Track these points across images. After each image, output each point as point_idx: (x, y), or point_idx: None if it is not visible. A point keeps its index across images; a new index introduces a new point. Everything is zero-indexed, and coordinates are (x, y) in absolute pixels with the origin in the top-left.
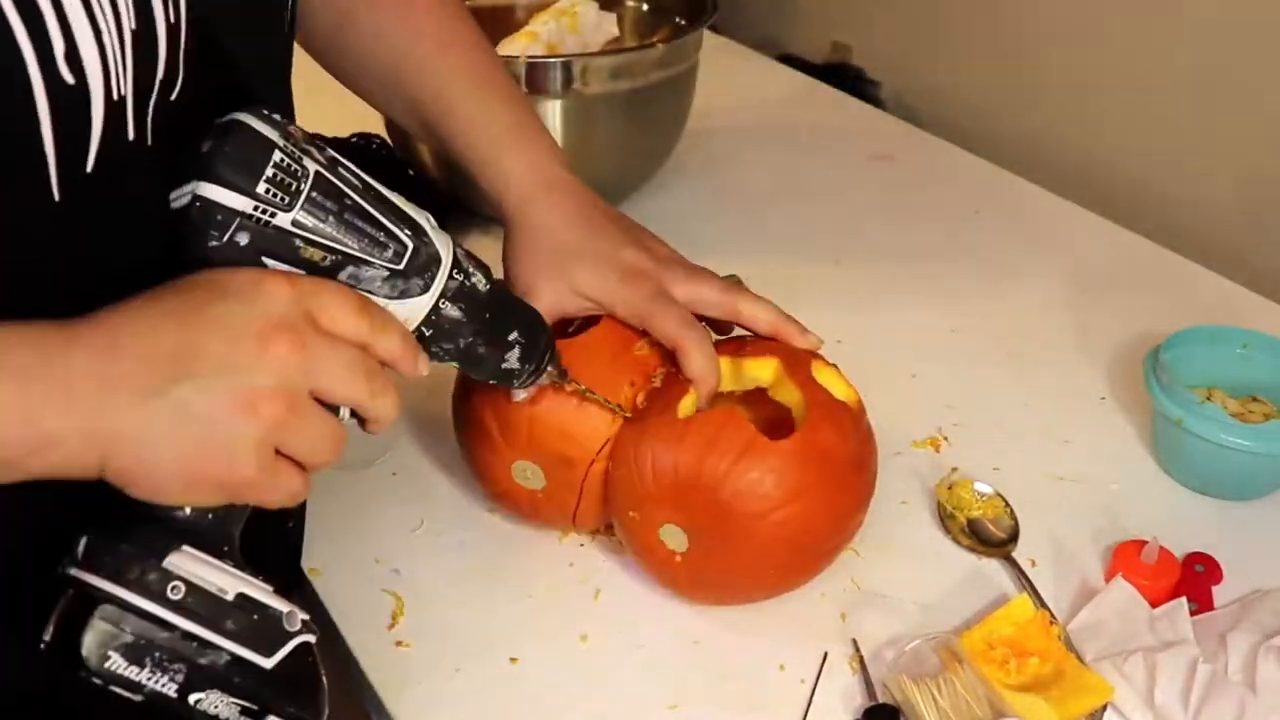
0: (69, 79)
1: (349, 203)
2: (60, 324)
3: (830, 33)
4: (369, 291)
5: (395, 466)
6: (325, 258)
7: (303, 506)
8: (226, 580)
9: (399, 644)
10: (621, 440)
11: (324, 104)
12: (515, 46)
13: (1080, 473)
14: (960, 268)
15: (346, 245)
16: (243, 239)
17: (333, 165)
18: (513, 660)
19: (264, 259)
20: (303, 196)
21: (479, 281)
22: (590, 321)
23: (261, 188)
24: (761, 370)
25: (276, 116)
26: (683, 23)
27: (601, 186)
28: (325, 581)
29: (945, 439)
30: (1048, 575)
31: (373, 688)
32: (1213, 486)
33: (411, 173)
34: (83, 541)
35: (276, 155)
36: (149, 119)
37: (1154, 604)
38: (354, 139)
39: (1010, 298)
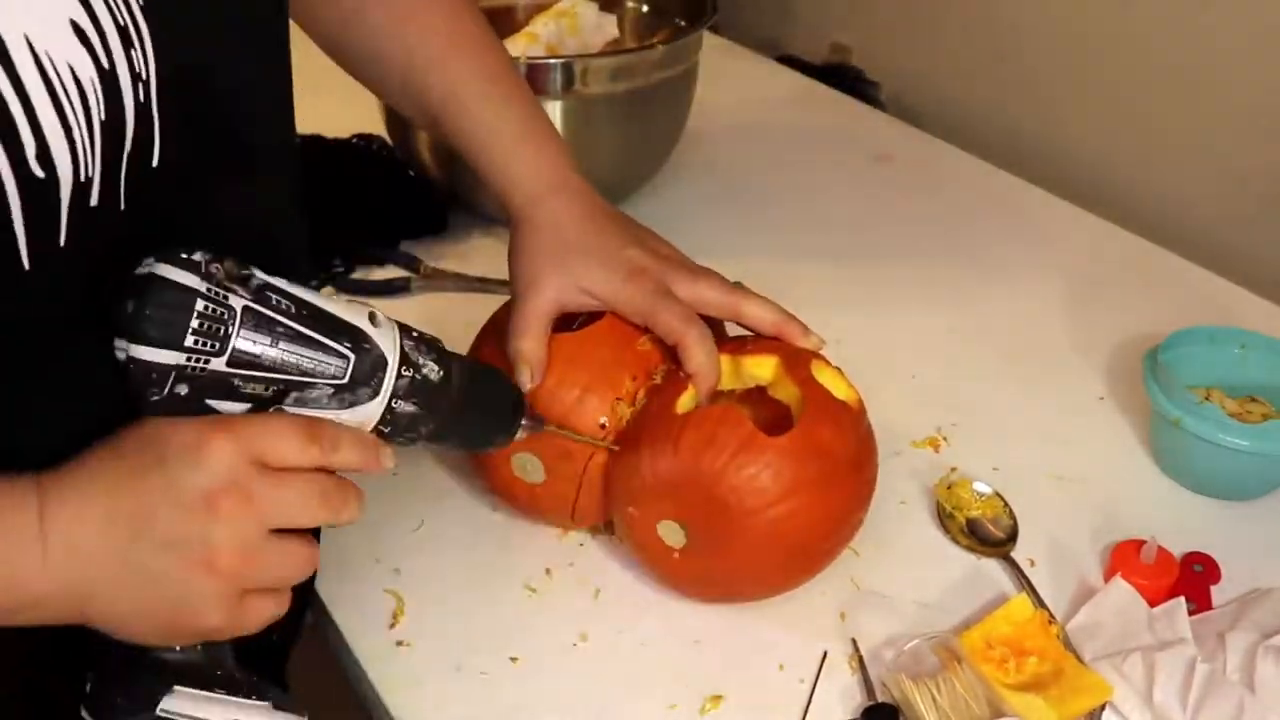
0: (40, 174)
1: (281, 330)
2: (32, 480)
3: (830, 34)
4: (318, 410)
5: (395, 466)
6: (268, 388)
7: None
8: (219, 711)
9: (399, 644)
10: (620, 435)
11: (324, 104)
12: (515, 47)
13: (1079, 473)
14: (960, 268)
15: (286, 373)
16: (182, 390)
17: (261, 294)
18: (513, 660)
19: (208, 402)
20: (233, 338)
21: (430, 373)
22: (594, 317)
23: (189, 340)
24: (761, 368)
25: (196, 256)
26: (683, 24)
27: (602, 187)
28: (325, 581)
29: (944, 439)
30: (1046, 575)
31: (373, 687)
32: (1211, 486)
33: (412, 173)
34: (88, 684)
35: (199, 304)
36: (120, 188)
37: (1152, 603)
38: (354, 139)
39: (1010, 298)
